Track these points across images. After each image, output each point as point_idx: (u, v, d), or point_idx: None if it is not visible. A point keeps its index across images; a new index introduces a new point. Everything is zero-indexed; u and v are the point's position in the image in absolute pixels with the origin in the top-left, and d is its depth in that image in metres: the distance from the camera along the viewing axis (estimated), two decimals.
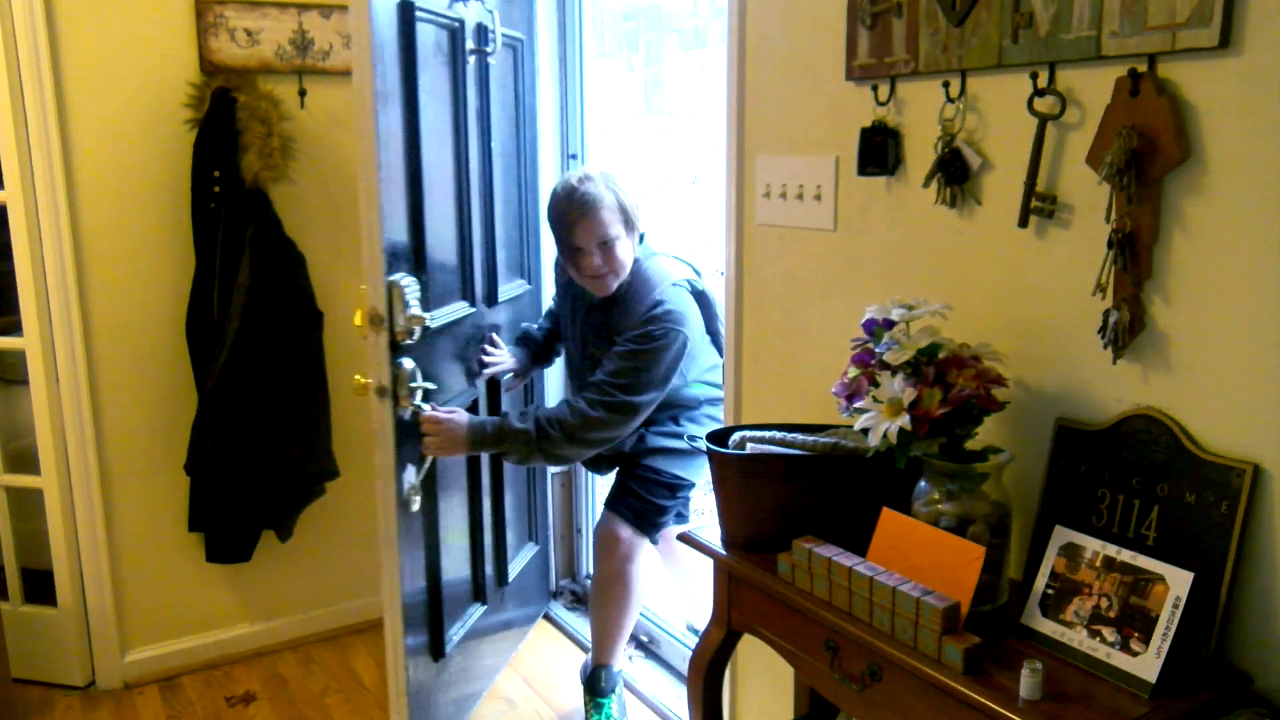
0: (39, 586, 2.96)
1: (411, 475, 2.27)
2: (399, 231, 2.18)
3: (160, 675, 3.05)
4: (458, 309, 2.48)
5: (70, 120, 2.72)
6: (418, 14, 2.16)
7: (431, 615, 2.47)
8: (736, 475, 1.68)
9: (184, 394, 2.93)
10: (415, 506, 2.28)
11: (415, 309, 2.17)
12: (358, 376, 2.19)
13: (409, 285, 2.16)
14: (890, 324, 1.54)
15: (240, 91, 2.83)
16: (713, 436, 1.78)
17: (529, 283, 3.00)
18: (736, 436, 1.75)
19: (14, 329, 2.80)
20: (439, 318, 2.34)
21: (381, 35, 2.04)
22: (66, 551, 2.88)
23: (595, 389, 2.44)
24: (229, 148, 2.80)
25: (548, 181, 3.09)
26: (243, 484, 2.90)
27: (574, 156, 3.17)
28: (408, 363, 2.19)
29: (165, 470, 2.96)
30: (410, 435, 2.26)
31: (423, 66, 2.23)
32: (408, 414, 2.22)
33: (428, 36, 2.26)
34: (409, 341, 2.17)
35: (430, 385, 2.24)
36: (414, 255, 2.25)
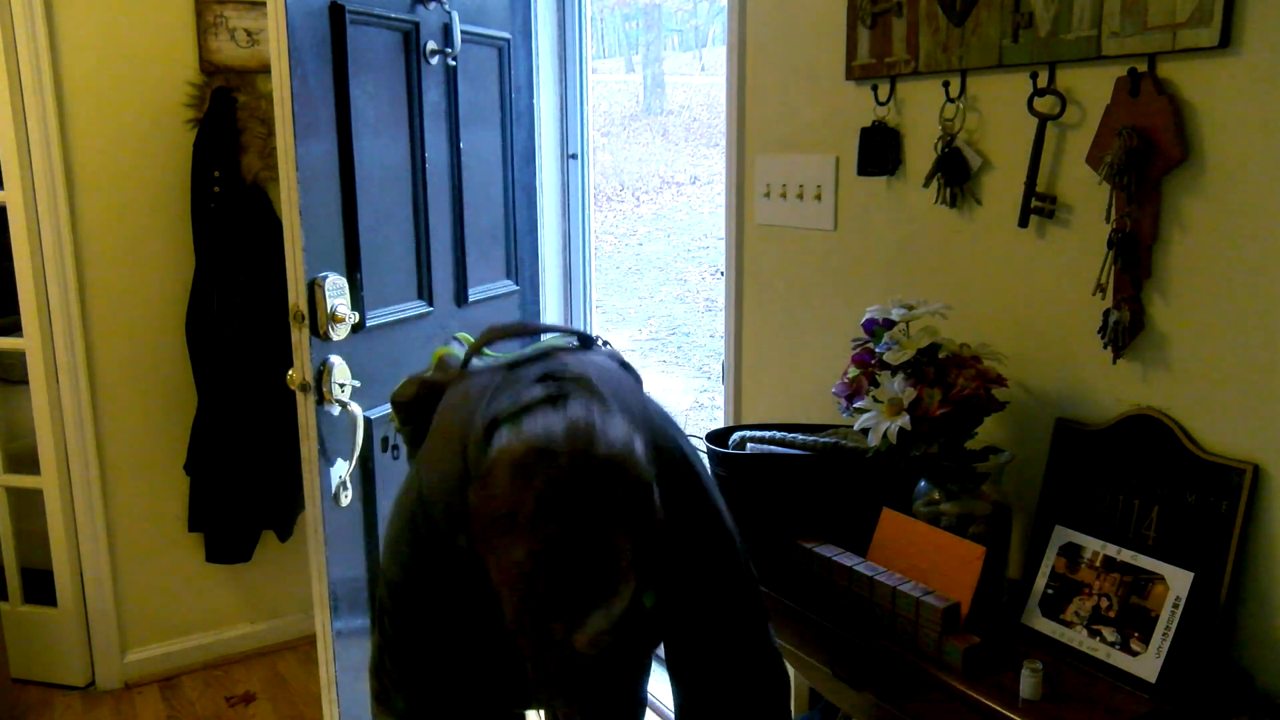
0: (39, 586, 2.96)
1: (341, 470, 2.29)
2: (327, 230, 2.21)
3: (160, 675, 3.05)
4: (408, 308, 2.49)
5: (70, 120, 2.71)
6: (350, 16, 2.19)
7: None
8: (736, 475, 1.68)
9: (184, 394, 2.93)
10: (345, 501, 2.30)
11: (342, 307, 2.20)
12: (290, 373, 2.21)
13: (334, 283, 2.19)
14: (890, 324, 1.54)
15: (240, 91, 2.83)
16: (713, 436, 1.78)
17: (515, 283, 2.99)
18: (736, 436, 1.75)
19: (14, 329, 2.80)
20: (380, 316, 2.37)
21: (301, 36, 2.05)
22: (66, 551, 2.88)
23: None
24: (229, 148, 2.80)
25: (548, 180, 3.09)
26: (243, 484, 2.90)
27: (574, 157, 3.16)
28: (335, 359, 2.22)
29: (165, 470, 2.96)
30: (338, 431, 2.28)
31: (362, 67, 2.25)
32: (335, 410, 2.24)
33: (370, 38, 2.28)
34: (337, 339, 2.20)
35: (356, 383, 2.26)
36: (346, 254, 2.27)
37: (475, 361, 1.41)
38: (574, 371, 1.25)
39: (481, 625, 1.22)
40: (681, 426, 1.40)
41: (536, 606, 1.06)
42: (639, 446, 1.11)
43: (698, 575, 1.32)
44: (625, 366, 1.43)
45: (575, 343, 1.43)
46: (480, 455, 1.14)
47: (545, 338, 1.55)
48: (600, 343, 1.49)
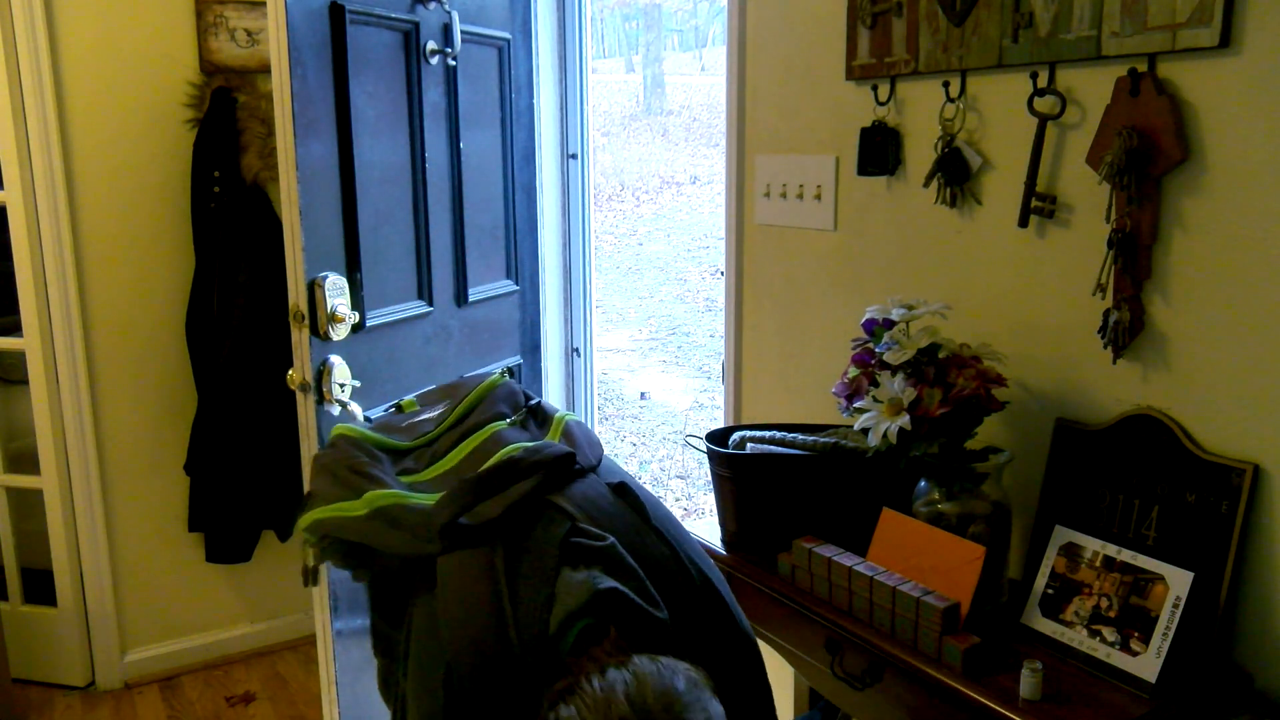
0: (39, 586, 2.96)
1: None
2: (327, 230, 2.21)
3: (160, 675, 3.05)
4: (408, 308, 2.50)
5: (70, 120, 2.72)
6: (350, 16, 2.19)
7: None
8: (736, 475, 1.68)
9: (184, 394, 2.93)
10: None
11: (342, 307, 2.20)
12: (290, 373, 2.22)
13: (334, 283, 2.20)
14: (890, 324, 1.54)
15: (240, 91, 2.83)
16: (713, 436, 1.78)
17: (515, 283, 3.00)
18: (736, 436, 1.75)
19: (14, 329, 2.80)
20: (380, 316, 2.38)
21: (301, 36, 2.05)
22: (66, 551, 2.88)
23: None
24: (229, 148, 2.80)
25: (548, 181, 3.09)
26: (243, 484, 2.90)
27: (574, 156, 3.16)
28: (335, 359, 2.22)
29: (165, 470, 2.96)
30: None
31: (362, 67, 2.25)
32: (335, 410, 2.24)
33: (370, 38, 2.28)
34: (337, 339, 2.21)
35: (356, 383, 2.27)
36: (346, 254, 2.27)
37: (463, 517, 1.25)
38: (598, 545, 1.21)
39: None
40: (692, 538, 1.37)
41: None
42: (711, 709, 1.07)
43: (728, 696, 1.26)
44: (620, 489, 1.33)
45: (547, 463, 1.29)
46: (535, 640, 1.12)
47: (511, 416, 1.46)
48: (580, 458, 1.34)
